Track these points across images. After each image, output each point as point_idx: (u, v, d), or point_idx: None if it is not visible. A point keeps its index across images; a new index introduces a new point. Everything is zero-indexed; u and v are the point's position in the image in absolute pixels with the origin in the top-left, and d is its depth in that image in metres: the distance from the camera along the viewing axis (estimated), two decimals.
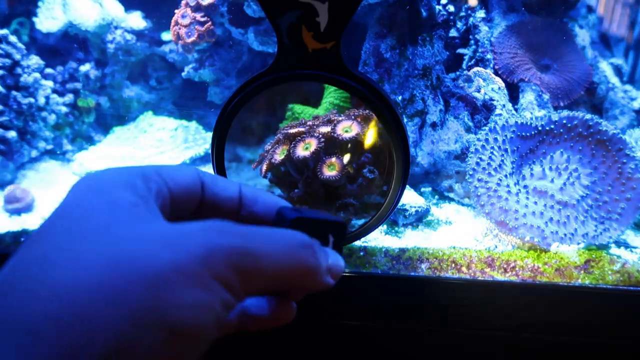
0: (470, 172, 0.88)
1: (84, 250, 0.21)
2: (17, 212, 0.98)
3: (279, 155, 0.86)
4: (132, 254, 0.21)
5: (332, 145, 0.85)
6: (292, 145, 0.84)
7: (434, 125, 1.08)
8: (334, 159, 0.82)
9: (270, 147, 0.89)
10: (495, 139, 0.92)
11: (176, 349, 0.21)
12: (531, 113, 1.09)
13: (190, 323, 0.21)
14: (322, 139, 0.83)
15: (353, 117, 0.86)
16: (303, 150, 0.83)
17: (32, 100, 1.15)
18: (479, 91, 1.12)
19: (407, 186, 1.03)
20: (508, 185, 0.88)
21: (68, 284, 0.20)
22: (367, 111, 0.87)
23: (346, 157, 0.84)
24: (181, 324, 0.21)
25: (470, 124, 1.10)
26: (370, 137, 0.86)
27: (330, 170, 0.81)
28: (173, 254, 0.22)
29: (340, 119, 0.87)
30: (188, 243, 0.22)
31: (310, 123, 0.88)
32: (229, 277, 0.23)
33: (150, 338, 0.20)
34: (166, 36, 1.42)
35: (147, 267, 0.21)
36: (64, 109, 1.28)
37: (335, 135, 0.83)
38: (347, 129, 0.84)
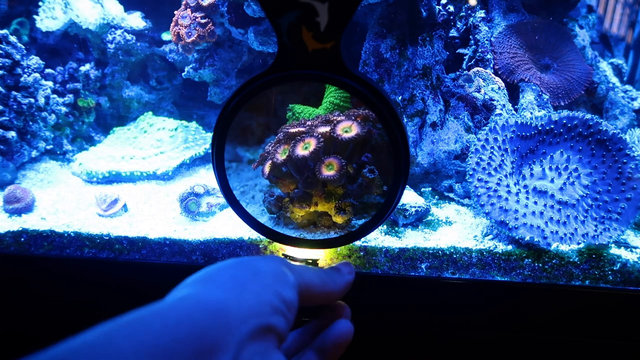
0: (470, 172, 0.88)
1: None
2: (18, 212, 0.98)
3: (281, 155, 0.85)
4: None
5: (332, 146, 0.85)
6: (292, 145, 0.84)
7: (434, 125, 1.08)
8: (332, 159, 0.82)
9: (271, 147, 0.89)
10: (495, 139, 0.92)
11: None
12: (531, 113, 1.10)
13: None
14: (321, 139, 0.83)
15: (353, 117, 0.86)
16: (302, 149, 0.83)
17: (32, 100, 1.15)
18: (479, 91, 1.12)
19: (407, 186, 1.03)
20: (508, 185, 0.88)
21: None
22: (367, 111, 0.87)
23: (346, 157, 0.84)
24: None
25: (470, 124, 1.10)
26: (371, 137, 0.86)
27: (328, 170, 0.82)
28: None
29: (339, 119, 0.86)
30: None
31: (309, 123, 0.88)
32: None
33: None
34: (166, 36, 1.42)
35: None
36: (64, 109, 1.28)
37: (335, 135, 0.83)
38: (346, 129, 0.84)
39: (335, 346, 0.43)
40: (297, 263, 0.44)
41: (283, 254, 0.50)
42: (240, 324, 0.31)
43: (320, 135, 0.83)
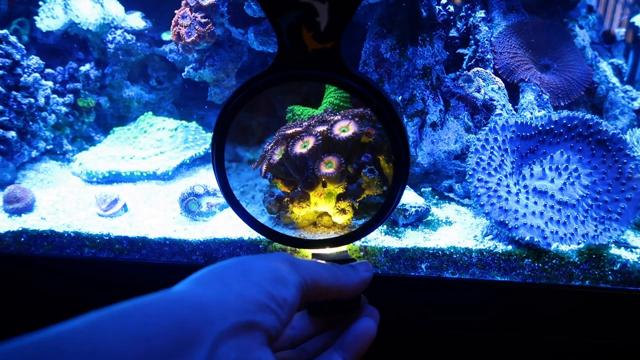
0: (470, 172, 0.88)
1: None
2: (18, 212, 0.98)
3: (277, 156, 0.86)
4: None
5: (330, 145, 0.85)
6: (290, 144, 0.84)
7: (434, 125, 1.08)
8: (331, 157, 0.82)
9: (269, 147, 0.89)
10: (495, 139, 0.92)
11: None
12: (531, 113, 1.10)
13: None
14: (320, 137, 0.83)
15: (350, 116, 0.86)
16: (301, 148, 0.83)
17: (32, 100, 1.15)
18: (479, 91, 1.12)
19: (407, 186, 1.03)
20: (508, 185, 0.88)
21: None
22: (363, 109, 0.87)
23: (345, 157, 0.84)
24: None
25: (470, 124, 1.10)
26: (369, 135, 0.86)
27: (327, 168, 0.82)
28: None
29: (336, 118, 0.86)
30: None
31: (306, 123, 0.88)
32: None
33: None
34: (166, 36, 1.42)
35: None
36: (64, 109, 1.28)
37: (332, 135, 0.83)
38: (344, 128, 0.84)
39: (356, 342, 0.44)
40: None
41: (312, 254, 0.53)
42: (219, 319, 0.32)
43: (318, 134, 0.83)
